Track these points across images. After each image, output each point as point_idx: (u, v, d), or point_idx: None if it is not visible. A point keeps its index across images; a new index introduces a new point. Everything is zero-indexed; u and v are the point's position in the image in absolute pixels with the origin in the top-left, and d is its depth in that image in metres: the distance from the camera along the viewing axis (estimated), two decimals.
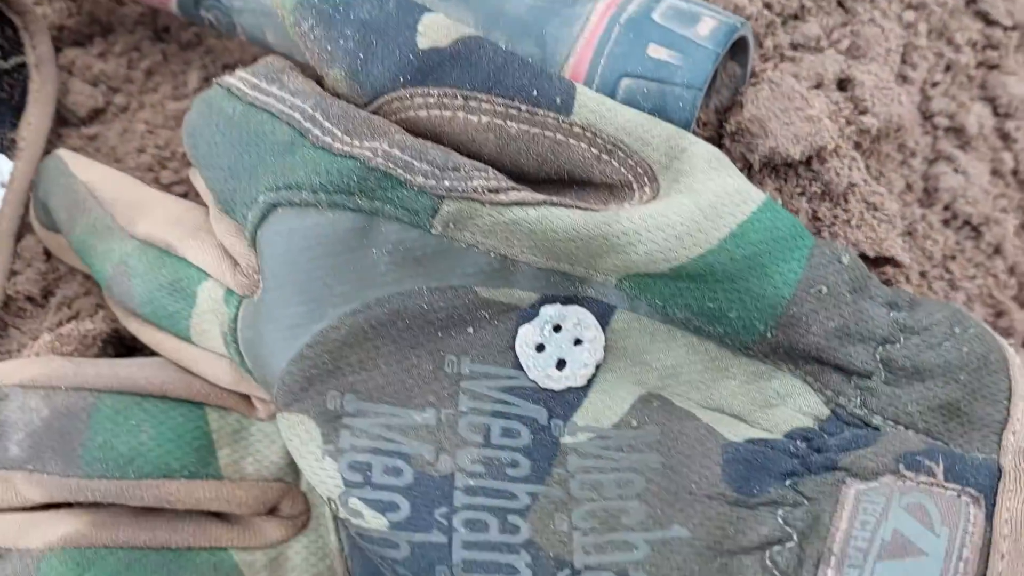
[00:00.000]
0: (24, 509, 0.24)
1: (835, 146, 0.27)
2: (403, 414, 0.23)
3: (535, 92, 0.23)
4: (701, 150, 0.23)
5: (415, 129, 0.23)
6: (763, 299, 0.22)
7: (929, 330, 0.22)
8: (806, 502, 0.21)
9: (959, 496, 0.20)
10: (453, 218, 0.22)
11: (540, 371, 0.23)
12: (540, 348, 0.23)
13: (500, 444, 0.23)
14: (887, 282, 0.29)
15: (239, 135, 0.23)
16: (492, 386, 0.23)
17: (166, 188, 0.30)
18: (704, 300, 0.22)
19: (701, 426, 0.23)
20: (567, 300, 0.23)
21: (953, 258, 0.31)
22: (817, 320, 0.22)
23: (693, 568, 0.21)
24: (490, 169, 0.23)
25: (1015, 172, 0.33)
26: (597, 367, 0.23)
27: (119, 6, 0.33)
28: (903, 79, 0.31)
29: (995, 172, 0.32)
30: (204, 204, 0.26)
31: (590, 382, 0.23)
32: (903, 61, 0.31)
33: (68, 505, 0.24)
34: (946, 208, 0.31)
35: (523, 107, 0.23)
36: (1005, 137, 0.32)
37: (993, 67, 0.33)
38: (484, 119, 0.23)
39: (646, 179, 0.23)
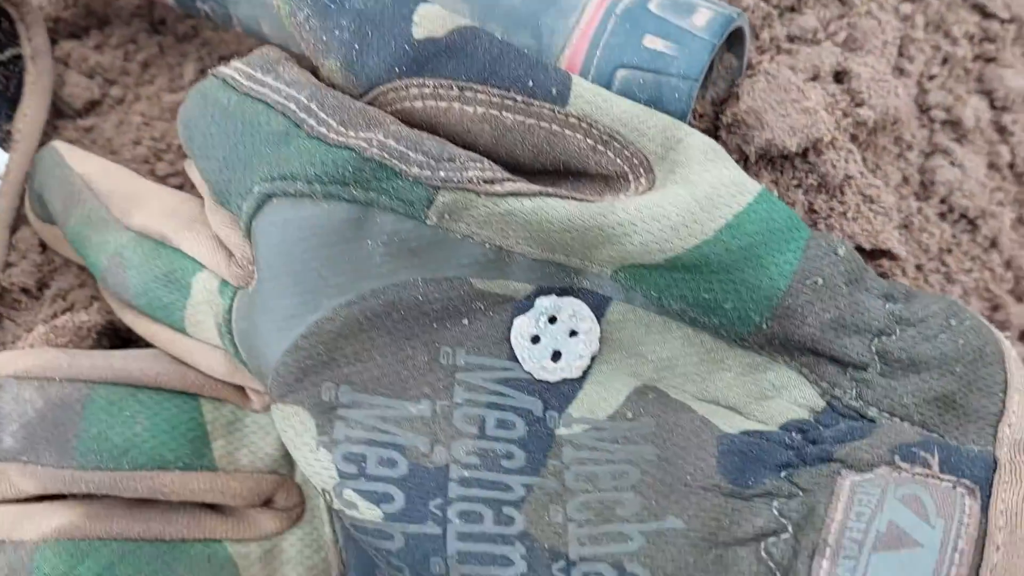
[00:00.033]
0: (18, 501, 0.24)
1: (831, 138, 0.27)
2: (398, 405, 0.23)
3: (531, 83, 0.23)
4: (697, 141, 0.23)
5: (410, 120, 0.23)
6: (759, 290, 0.22)
7: (925, 322, 0.22)
8: (801, 493, 0.21)
9: (954, 487, 0.20)
10: (448, 209, 0.22)
11: (535, 363, 0.23)
12: (535, 340, 0.23)
13: (495, 436, 0.23)
14: (883, 275, 0.29)
15: (234, 126, 0.23)
16: (487, 378, 0.23)
17: (162, 180, 0.30)
18: (700, 291, 0.22)
19: (696, 418, 0.23)
20: (562, 291, 0.23)
21: (949, 251, 0.31)
22: (813, 312, 0.22)
23: (688, 559, 0.21)
24: (485, 160, 0.23)
25: (1012, 165, 0.33)
26: (592, 359, 0.23)
27: None
28: (900, 72, 0.31)
29: (992, 165, 0.32)
30: (200, 196, 0.26)
31: (585, 374, 0.23)
32: (900, 54, 0.31)
33: (62, 497, 0.24)
34: (942, 201, 0.31)
35: (519, 98, 0.23)
36: (1002, 130, 0.32)
37: (990, 60, 0.33)
38: (480, 110, 0.23)
39: (642, 170, 0.23)
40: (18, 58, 0.30)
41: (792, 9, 0.29)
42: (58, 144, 0.28)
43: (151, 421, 0.24)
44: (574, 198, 0.22)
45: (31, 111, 0.30)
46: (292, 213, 0.22)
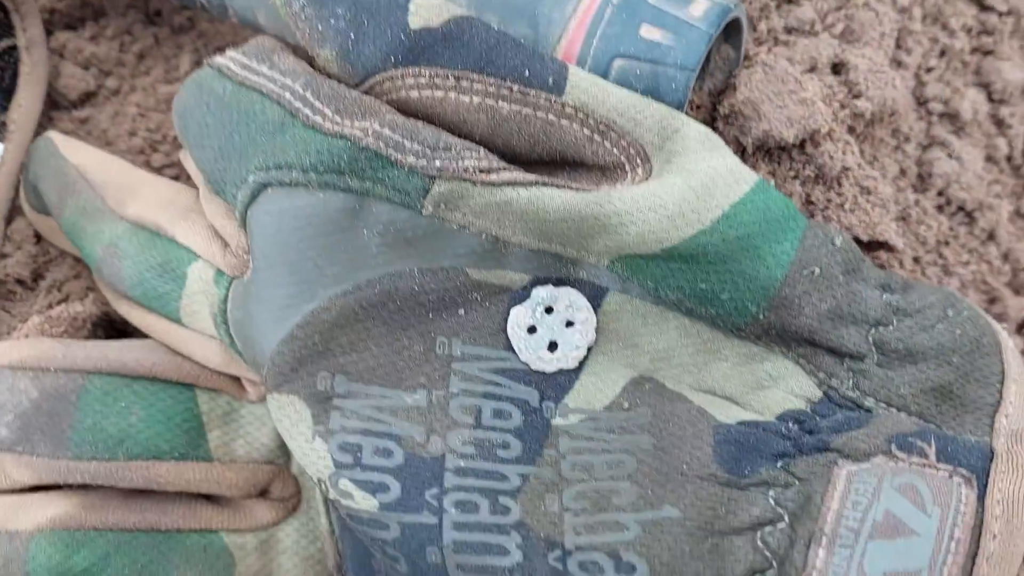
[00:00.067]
0: (13, 491, 0.24)
1: (828, 130, 0.27)
2: (394, 395, 0.23)
3: (527, 72, 0.23)
4: (694, 131, 0.23)
5: (406, 109, 0.23)
6: (755, 280, 0.22)
7: (922, 312, 0.22)
8: (797, 483, 0.21)
9: (951, 477, 0.20)
10: (444, 198, 0.22)
11: (532, 353, 0.23)
12: (532, 330, 0.23)
13: (491, 425, 0.23)
14: (881, 267, 0.29)
15: (229, 115, 0.23)
16: (483, 368, 0.23)
17: (157, 171, 0.30)
18: (696, 281, 0.22)
19: (693, 408, 0.23)
20: (559, 282, 0.23)
21: (947, 244, 0.31)
22: (810, 302, 0.22)
23: (684, 548, 0.21)
24: (482, 149, 0.22)
25: (1009, 158, 0.33)
26: (589, 349, 0.23)
27: None
28: (897, 64, 0.31)
29: (989, 158, 0.32)
30: (195, 186, 0.26)
31: (582, 364, 0.23)
32: (897, 46, 0.31)
33: (57, 487, 0.24)
34: (940, 194, 0.31)
35: (515, 87, 0.23)
36: (999, 123, 0.32)
37: (988, 53, 0.33)
38: (476, 99, 0.23)
39: (638, 160, 0.23)
40: (13, 48, 0.30)
41: (790, 1, 0.29)
42: (53, 135, 0.28)
43: (146, 412, 0.24)
44: (570, 188, 0.22)
45: (26, 102, 0.30)
46: (288, 202, 0.22)
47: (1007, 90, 0.32)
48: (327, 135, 0.22)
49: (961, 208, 0.31)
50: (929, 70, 0.32)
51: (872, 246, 0.28)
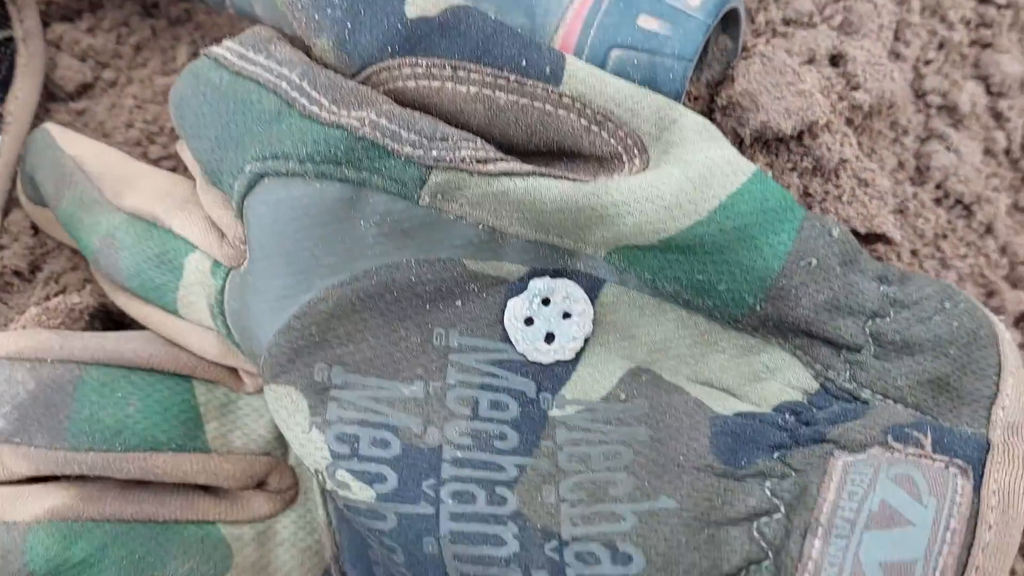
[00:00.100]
0: (11, 482, 0.24)
1: (827, 121, 0.27)
2: (391, 387, 0.23)
3: (524, 62, 0.23)
4: (691, 121, 0.23)
5: (403, 99, 0.23)
6: (752, 271, 0.22)
7: (919, 304, 0.22)
8: (794, 474, 0.21)
9: (947, 467, 0.20)
10: (441, 189, 0.22)
11: (529, 344, 0.23)
12: (529, 321, 0.23)
13: (488, 417, 0.23)
14: (878, 259, 0.29)
15: (226, 105, 0.23)
16: (480, 359, 0.23)
17: (154, 163, 0.30)
18: (693, 272, 0.22)
19: (690, 399, 0.23)
20: (556, 273, 0.23)
21: (944, 237, 0.31)
22: (807, 293, 0.22)
23: (680, 539, 0.21)
24: (478, 139, 0.22)
25: (1007, 151, 0.32)
26: (586, 341, 0.23)
27: None
28: (896, 56, 0.31)
29: (987, 151, 0.32)
30: (192, 177, 0.26)
31: (579, 356, 0.23)
32: (896, 38, 0.31)
33: (55, 478, 0.24)
34: (938, 187, 0.31)
35: (512, 77, 0.23)
36: (998, 116, 0.32)
37: (986, 46, 0.33)
38: (473, 89, 0.23)
39: (636, 150, 0.23)
40: (9, 40, 0.30)
41: None
42: (50, 126, 0.28)
43: (143, 403, 0.24)
44: (567, 178, 0.22)
45: (23, 93, 0.30)
46: (284, 193, 0.22)
47: (1006, 83, 0.32)
48: (324, 125, 0.22)
49: (959, 201, 0.31)
50: (927, 63, 0.32)
51: (870, 239, 0.28)
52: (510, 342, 0.23)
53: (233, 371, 0.26)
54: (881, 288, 0.22)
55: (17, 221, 0.29)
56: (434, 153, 0.22)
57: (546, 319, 0.23)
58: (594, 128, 0.23)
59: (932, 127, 0.31)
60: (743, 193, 0.22)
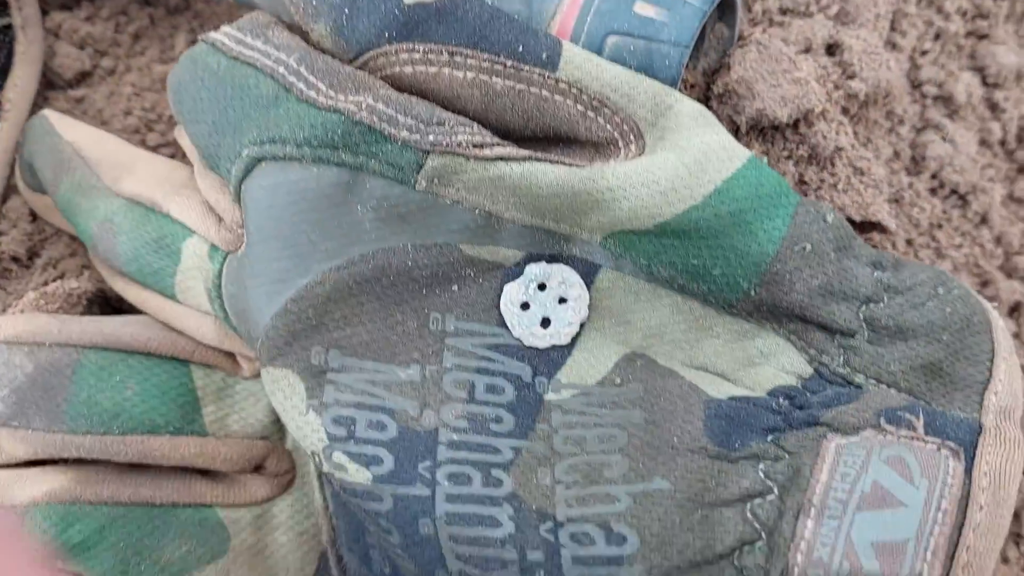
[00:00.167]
0: (9, 466, 0.24)
1: (822, 109, 0.27)
2: (387, 370, 0.23)
3: (520, 48, 0.23)
4: (687, 107, 0.23)
5: (400, 85, 0.23)
6: (747, 256, 0.22)
7: (913, 290, 0.22)
8: (787, 456, 0.21)
9: (939, 449, 0.20)
10: (437, 173, 0.22)
11: (525, 329, 0.23)
12: (525, 306, 0.23)
13: (484, 400, 0.23)
14: (873, 248, 0.29)
15: (223, 90, 0.23)
16: (476, 343, 0.23)
17: (153, 150, 0.30)
18: (688, 257, 0.22)
19: (684, 383, 0.23)
20: (552, 258, 0.23)
21: (940, 227, 0.31)
22: (801, 278, 0.22)
23: (674, 520, 0.21)
24: (475, 124, 0.23)
25: (1003, 142, 0.33)
26: (581, 326, 0.24)
27: None
28: (892, 46, 0.31)
29: (983, 142, 0.32)
30: (190, 164, 0.26)
31: (574, 340, 0.23)
32: (892, 28, 0.31)
33: (53, 461, 0.24)
34: (933, 177, 0.31)
35: (509, 63, 0.23)
36: (993, 107, 0.32)
37: (983, 36, 0.33)
38: (469, 75, 0.23)
39: (632, 136, 0.23)
40: (8, 28, 0.30)
41: None
42: (48, 113, 0.28)
43: (141, 386, 0.24)
44: (563, 163, 0.22)
45: (21, 81, 0.30)
46: (281, 177, 0.22)
47: (1001, 74, 0.32)
48: (321, 109, 0.22)
49: (954, 191, 0.31)
50: (924, 53, 0.32)
51: (865, 228, 0.28)
52: (506, 327, 0.23)
53: (230, 355, 0.26)
54: (875, 274, 0.23)
55: (16, 208, 0.29)
56: (431, 138, 0.22)
57: (542, 304, 0.23)
58: (590, 114, 0.23)
59: (928, 117, 0.31)
60: (738, 178, 0.22)
